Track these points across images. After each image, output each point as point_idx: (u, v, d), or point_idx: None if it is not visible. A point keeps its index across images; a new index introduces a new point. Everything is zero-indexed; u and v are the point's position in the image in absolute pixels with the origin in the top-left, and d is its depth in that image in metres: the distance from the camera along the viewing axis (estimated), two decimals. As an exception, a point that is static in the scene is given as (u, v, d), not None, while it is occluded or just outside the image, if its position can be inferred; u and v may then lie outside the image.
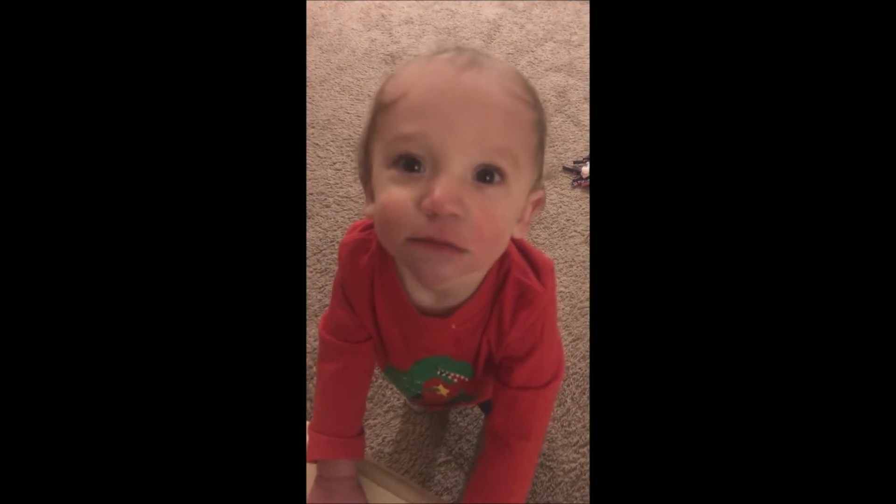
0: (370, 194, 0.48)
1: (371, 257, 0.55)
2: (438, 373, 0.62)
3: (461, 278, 0.48)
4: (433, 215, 0.40)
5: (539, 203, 0.50)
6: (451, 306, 0.54)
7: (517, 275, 0.54)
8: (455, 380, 0.63)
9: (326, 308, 0.65)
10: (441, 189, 0.39)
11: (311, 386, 0.82)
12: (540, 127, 0.46)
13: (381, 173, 0.43)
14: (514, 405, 0.59)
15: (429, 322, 0.55)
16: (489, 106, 0.41)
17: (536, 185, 0.49)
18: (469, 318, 0.54)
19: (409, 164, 0.41)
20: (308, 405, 0.98)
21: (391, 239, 0.43)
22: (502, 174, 0.42)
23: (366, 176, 0.48)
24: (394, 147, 0.42)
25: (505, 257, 0.54)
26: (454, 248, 0.41)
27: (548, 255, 1.26)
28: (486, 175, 0.42)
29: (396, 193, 0.41)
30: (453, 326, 0.54)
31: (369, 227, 0.56)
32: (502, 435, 0.59)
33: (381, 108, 0.44)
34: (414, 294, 0.54)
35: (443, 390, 0.65)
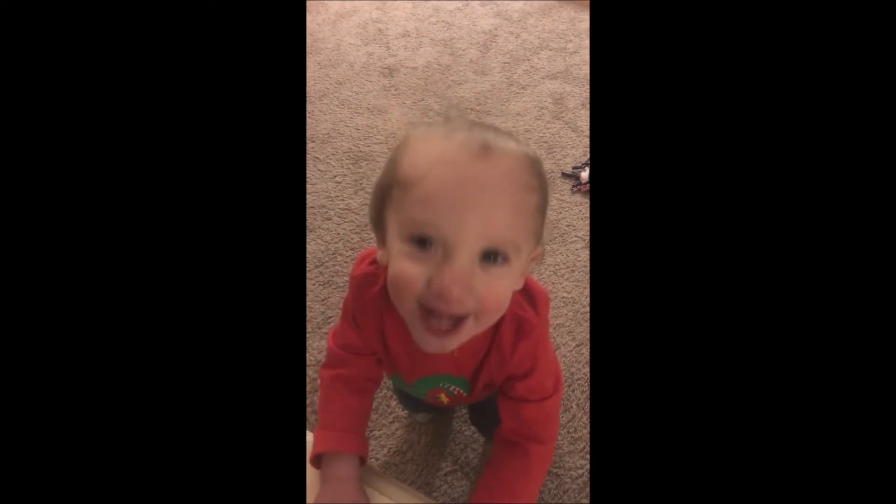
0: (381, 240, 0.50)
1: (381, 290, 0.58)
2: (441, 385, 0.64)
3: None
4: (440, 295, 0.44)
5: (538, 257, 0.52)
6: None
7: (514, 309, 0.56)
8: (455, 391, 0.65)
9: (336, 323, 0.66)
10: (450, 276, 0.44)
11: (316, 399, 0.83)
12: (543, 207, 0.49)
13: (395, 243, 0.47)
14: (520, 412, 0.60)
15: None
16: (497, 201, 0.44)
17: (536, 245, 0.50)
18: (469, 346, 0.56)
19: (421, 243, 0.45)
20: (310, 418, 0.98)
21: (401, 303, 0.47)
22: (506, 257, 0.46)
23: (378, 220, 0.50)
24: (408, 227, 0.45)
25: None
26: (458, 318, 0.46)
27: (549, 260, 1.27)
28: (491, 256, 0.45)
29: (409, 269, 0.45)
30: (455, 354, 0.57)
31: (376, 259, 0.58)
32: (513, 438, 0.60)
33: (398, 184, 0.46)
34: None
35: (444, 398, 0.67)
